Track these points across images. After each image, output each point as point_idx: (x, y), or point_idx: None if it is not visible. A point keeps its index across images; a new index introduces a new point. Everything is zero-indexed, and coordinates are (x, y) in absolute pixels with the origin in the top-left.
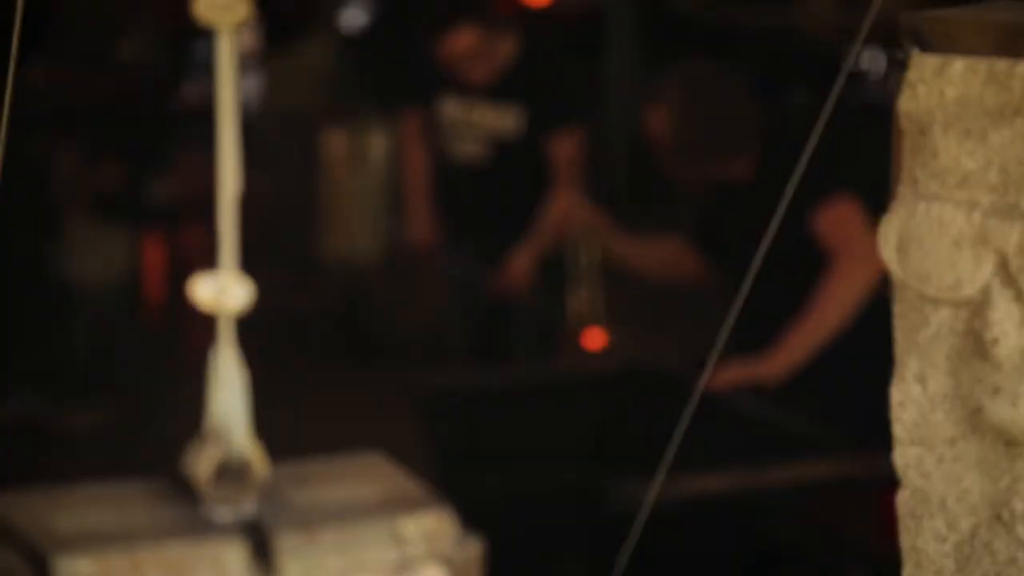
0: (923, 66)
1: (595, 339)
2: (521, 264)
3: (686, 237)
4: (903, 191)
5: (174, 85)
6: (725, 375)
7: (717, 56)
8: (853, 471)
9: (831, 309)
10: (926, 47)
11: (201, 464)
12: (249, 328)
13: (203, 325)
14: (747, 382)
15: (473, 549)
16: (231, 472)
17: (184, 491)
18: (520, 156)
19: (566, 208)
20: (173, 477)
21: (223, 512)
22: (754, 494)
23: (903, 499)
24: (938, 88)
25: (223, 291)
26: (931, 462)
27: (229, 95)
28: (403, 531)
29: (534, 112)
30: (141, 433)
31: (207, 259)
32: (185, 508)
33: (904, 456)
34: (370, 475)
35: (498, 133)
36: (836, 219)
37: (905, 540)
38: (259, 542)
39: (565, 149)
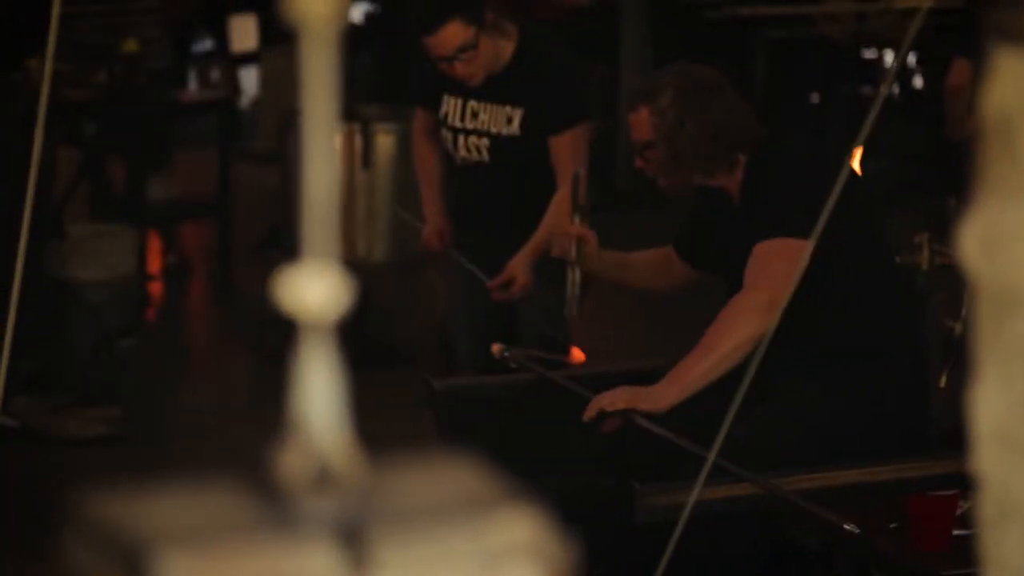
0: (1009, 63)
1: (577, 355)
2: (518, 266)
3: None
4: (986, 191)
5: (176, 81)
6: (610, 400)
7: (723, 53)
8: (878, 476)
9: (716, 345)
10: (1014, 43)
11: (290, 464)
12: (254, 327)
13: (203, 326)
14: (632, 408)
15: (565, 549)
16: (321, 472)
17: (272, 491)
18: (522, 156)
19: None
20: (261, 477)
21: (313, 512)
22: (777, 500)
23: (983, 506)
24: None
25: (318, 291)
26: (1015, 467)
27: (322, 95)
28: (494, 531)
29: (534, 112)
30: (143, 435)
31: (209, 259)
32: (275, 508)
33: (985, 461)
34: (458, 475)
35: (499, 134)
36: (762, 252)
37: (986, 548)
38: (350, 542)
39: (566, 149)
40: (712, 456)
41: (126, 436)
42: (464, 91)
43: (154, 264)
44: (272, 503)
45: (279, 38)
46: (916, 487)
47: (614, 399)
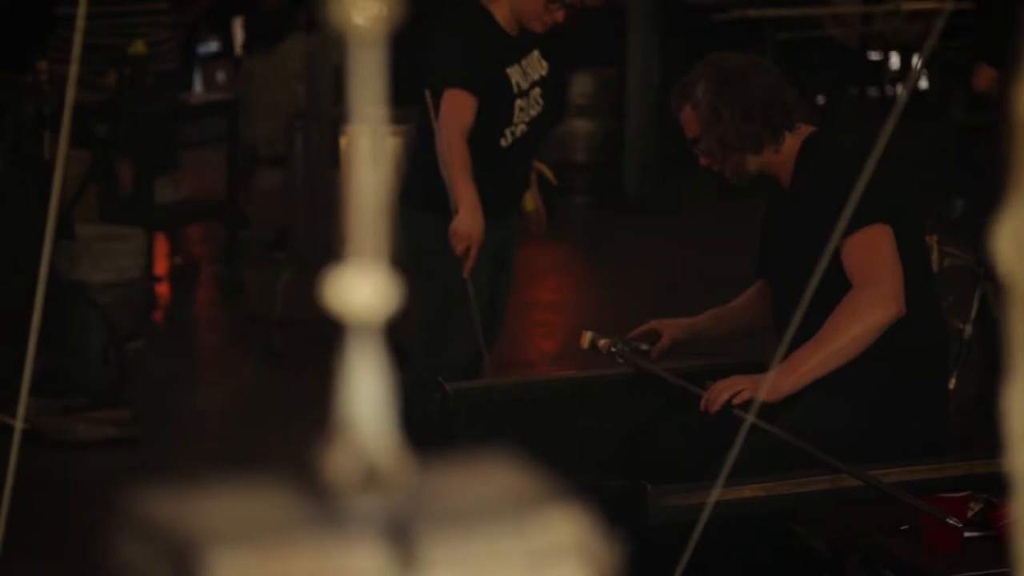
0: None
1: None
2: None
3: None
4: (1020, 191)
5: (182, 83)
6: (729, 390)
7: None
8: (888, 478)
9: (835, 336)
10: None
11: (338, 464)
12: (261, 329)
13: (211, 328)
14: (748, 397)
15: (613, 547)
16: (368, 472)
17: (321, 490)
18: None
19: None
20: (308, 473)
21: (361, 511)
22: (789, 503)
23: (1017, 507)
24: None
25: (365, 291)
26: None
27: (369, 97)
28: (541, 530)
29: (547, 50)
30: (152, 436)
31: (216, 260)
32: (323, 507)
33: (1019, 463)
34: (505, 474)
35: (544, 77)
36: (859, 244)
37: (1019, 550)
38: (398, 541)
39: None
40: (725, 471)
41: (135, 438)
42: (516, 55)
43: (161, 266)
44: (320, 502)
45: (261, 41)
46: (927, 489)
47: (734, 388)
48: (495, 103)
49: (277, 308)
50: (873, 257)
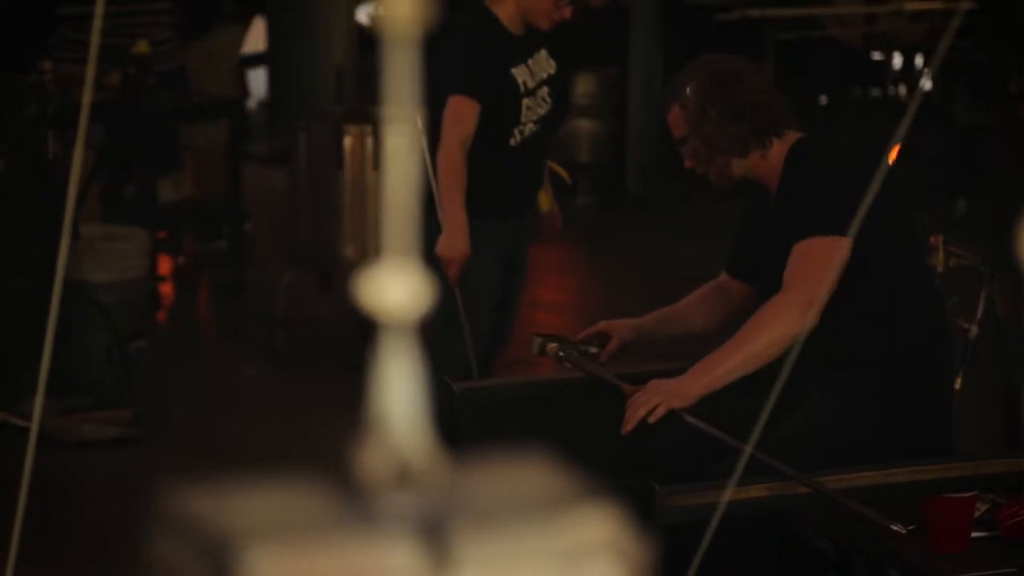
0: None
1: None
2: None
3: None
4: None
5: (185, 83)
6: (646, 405)
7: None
8: (894, 478)
9: (750, 341)
10: None
11: (371, 462)
12: (264, 329)
13: (214, 328)
14: (661, 403)
15: (646, 545)
16: (401, 470)
17: (354, 488)
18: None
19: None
20: (341, 472)
21: (394, 509)
22: (794, 503)
23: None
24: None
25: (398, 290)
26: None
27: (403, 96)
28: (574, 529)
29: (556, 50)
30: (155, 437)
31: (219, 260)
32: (356, 505)
33: None
34: (537, 473)
35: (551, 75)
36: (802, 251)
37: None
38: (431, 539)
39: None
40: (747, 453)
41: (138, 438)
42: (522, 56)
43: (164, 266)
44: (353, 500)
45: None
46: (933, 489)
47: (649, 401)
48: (502, 103)
49: (279, 308)
50: (811, 266)
